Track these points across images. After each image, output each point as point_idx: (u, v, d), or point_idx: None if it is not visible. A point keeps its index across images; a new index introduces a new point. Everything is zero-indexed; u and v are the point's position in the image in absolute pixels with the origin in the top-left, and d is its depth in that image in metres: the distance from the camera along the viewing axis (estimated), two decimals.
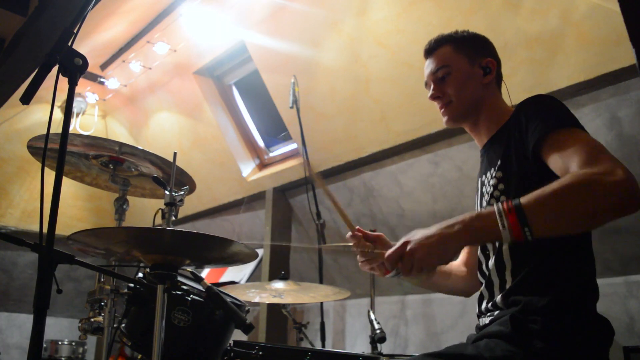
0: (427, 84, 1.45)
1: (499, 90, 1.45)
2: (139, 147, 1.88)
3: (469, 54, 1.39)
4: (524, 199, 1.00)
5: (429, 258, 1.07)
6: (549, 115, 1.16)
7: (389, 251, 1.12)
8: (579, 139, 1.10)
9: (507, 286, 1.21)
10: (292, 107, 3.13)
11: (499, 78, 1.45)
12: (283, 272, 2.36)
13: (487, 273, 1.29)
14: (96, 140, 1.86)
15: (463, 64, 1.38)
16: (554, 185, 0.99)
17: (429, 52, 1.44)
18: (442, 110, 1.41)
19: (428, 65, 1.44)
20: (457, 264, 1.56)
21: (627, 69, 2.28)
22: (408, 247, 1.10)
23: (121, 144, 1.87)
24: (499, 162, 1.28)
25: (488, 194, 1.30)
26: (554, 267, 1.16)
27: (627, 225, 2.56)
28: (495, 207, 1.02)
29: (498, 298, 1.22)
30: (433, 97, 1.41)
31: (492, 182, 1.30)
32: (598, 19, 2.28)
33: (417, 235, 1.11)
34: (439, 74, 1.40)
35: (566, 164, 1.06)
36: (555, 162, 1.10)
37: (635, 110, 2.39)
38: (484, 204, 1.32)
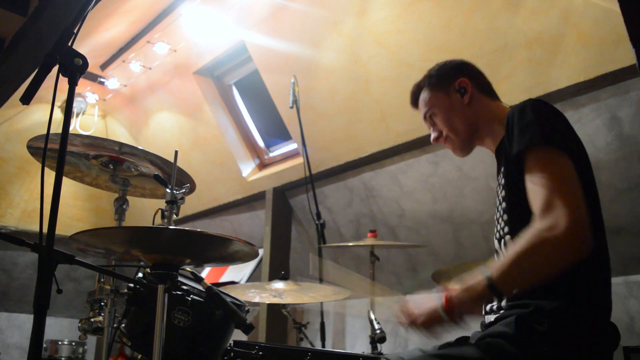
0: (428, 128, 1.53)
1: (490, 96, 1.44)
2: (139, 147, 1.88)
3: (442, 87, 1.45)
4: (494, 275, 1.09)
5: (425, 324, 1.18)
6: (530, 129, 1.15)
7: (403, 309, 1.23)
8: (545, 172, 1.10)
9: None
10: (292, 107, 3.13)
11: (482, 87, 1.45)
12: (283, 272, 2.36)
13: None
14: (96, 141, 1.86)
15: (441, 99, 1.44)
16: (512, 252, 1.07)
17: (414, 103, 1.53)
18: (447, 145, 1.47)
19: (420, 113, 1.52)
20: None
21: (627, 69, 2.28)
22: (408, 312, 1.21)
23: (121, 144, 1.87)
24: (502, 169, 1.30)
25: (497, 200, 1.33)
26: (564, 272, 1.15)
27: (627, 225, 2.56)
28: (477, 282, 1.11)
29: (503, 301, 1.22)
30: (435, 140, 1.48)
31: (499, 188, 1.32)
32: (598, 19, 2.28)
33: (418, 302, 1.20)
34: (428, 117, 1.48)
35: (531, 199, 1.12)
36: (526, 187, 1.14)
37: (635, 110, 2.39)
38: (497, 204, 1.33)
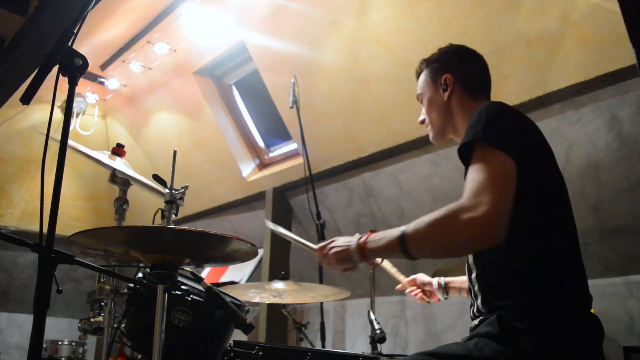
0: None
1: (474, 96, 1.47)
2: (132, 174, 1.89)
3: (433, 77, 1.53)
4: (408, 229, 1.18)
5: (337, 257, 1.31)
6: (478, 124, 1.19)
7: (320, 244, 1.38)
8: (481, 165, 1.14)
9: (476, 289, 1.26)
10: (292, 107, 3.13)
11: (468, 85, 1.48)
12: (283, 272, 2.36)
13: (469, 282, 1.35)
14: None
15: (429, 89, 1.53)
16: (430, 218, 1.14)
17: (417, 78, 1.62)
18: (427, 130, 1.57)
19: None
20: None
21: (627, 69, 2.28)
22: (331, 244, 1.34)
23: (114, 173, 1.88)
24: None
25: None
26: (538, 267, 1.17)
27: (627, 225, 2.56)
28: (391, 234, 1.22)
29: (478, 303, 1.26)
30: (421, 122, 1.58)
31: None
32: (598, 19, 2.28)
33: (341, 238, 1.34)
34: (419, 100, 1.58)
35: (465, 187, 1.15)
36: (466, 181, 1.18)
37: (635, 110, 2.39)
38: None
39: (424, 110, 1.55)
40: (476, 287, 1.27)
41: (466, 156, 1.20)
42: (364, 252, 1.25)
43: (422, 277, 1.89)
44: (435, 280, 1.83)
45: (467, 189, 1.12)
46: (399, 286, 1.93)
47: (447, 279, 1.82)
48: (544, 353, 1.09)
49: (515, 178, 1.12)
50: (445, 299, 1.84)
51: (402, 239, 1.16)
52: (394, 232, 1.19)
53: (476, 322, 1.28)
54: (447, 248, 1.12)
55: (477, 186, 1.10)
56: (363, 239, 1.26)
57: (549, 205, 1.21)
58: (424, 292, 1.87)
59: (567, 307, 1.15)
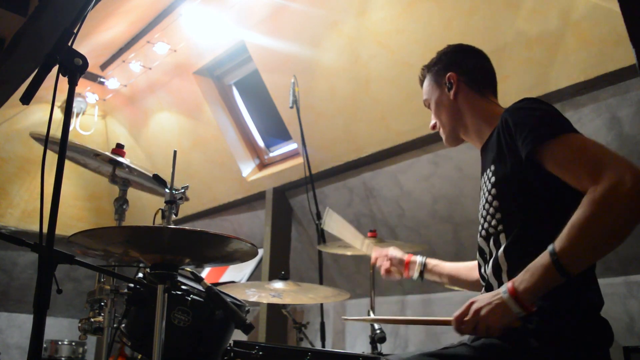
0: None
1: (481, 92, 1.44)
2: (133, 166, 1.89)
3: (436, 80, 1.50)
4: (557, 247, 1.02)
5: (491, 318, 1.08)
6: (538, 123, 1.15)
7: (456, 313, 1.14)
8: (574, 147, 1.09)
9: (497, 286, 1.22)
10: (292, 107, 3.13)
11: (474, 82, 1.45)
12: (283, 273, 2.36)
13: (485, 276, 1.31)
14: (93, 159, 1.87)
15: (435, 91, 1.49)
16: (577, 221, 1.01)
17: (421, 85, 1.58)
18: (440, 134, 1.53)
19: None
20: (467, 270, 1.63)
21: (627, 69, 2.28)
22: (473, 307, 1.11)
23: (114, 165, 1.87)
24: (492, 167, 1.30)
25: (484, 197, 1.33)
26: None
27: None
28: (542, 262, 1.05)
29: None
30: (432, 127, 1.54)
31: (488, 186, 1.31)
32: (598, 19, 2.28)
33: (483, 297, 1.12)
34: (427, 106, 1.55)
35: (575, 180, 1.07)
36: (563, 176, 1.10)
37: (635, 110, 2.39)
38: (483, 202, 1.33)
39: (433, 115, 1.52)
40: (496, 284, 1.23)
41: (536, 160, 1.13)
42: (520, 298, 1.05)
43: (393, 251, 1.75)
44: (418, 259, 1.69)
45: (589, 175, 1.03)
46: (372, 261, 1.79)
47: (431, 260, 1.70)
48: (552, 354, 1.08)
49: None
50: (419, 280, 1.69)
51: (556, 261, 1.01)
52: (541, 260, 1.04)
53: None
54: (614, 237, 1.01)
55: (596, 166, 1.02)
56: (510, 286, 1.07)
57: (572, 205, 1.20)
58: (391, 266, 1.72)
59: (578, 309, 1.14)
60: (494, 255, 1.27)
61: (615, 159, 1.02)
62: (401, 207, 3.42)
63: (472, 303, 1.12)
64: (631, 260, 2.62)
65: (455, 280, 1.66)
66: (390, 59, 3.02)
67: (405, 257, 1.73)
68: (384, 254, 1.76)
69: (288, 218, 4.14)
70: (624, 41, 2.20)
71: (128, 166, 1.96)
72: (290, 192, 4.08)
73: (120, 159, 1.92)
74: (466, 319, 1.11)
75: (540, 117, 1.16)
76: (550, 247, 1.03)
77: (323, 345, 2.91)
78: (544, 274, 1.03)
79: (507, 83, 2.63)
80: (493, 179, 1.28)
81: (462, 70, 1.46)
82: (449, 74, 1.46)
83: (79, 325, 1.92)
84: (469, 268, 1.64)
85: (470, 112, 1.43)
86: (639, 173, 0.98)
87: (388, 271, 1.72)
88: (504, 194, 1.24)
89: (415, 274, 1.68)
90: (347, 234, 1.90)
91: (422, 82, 1.57)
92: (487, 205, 1.30)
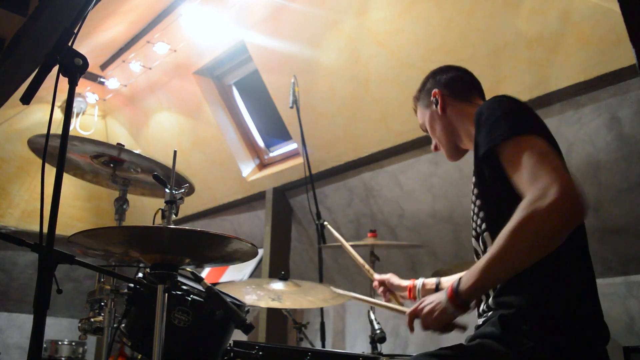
0: None
1: (466, 99, 1.49)
2: (137, 152, 1.89)
3: (425, 103, 1.56)
4: (490, 252, 1.08)
5: (430, 316, 1.20)
6: (494, 125, 1.17)
7: (411, 309, 1.27)
8: (521, 151, 1.11)
9: (499, 287, 1.23)
10: (292, 107, 3.13)
11: (456, 92, 1.50)
12: (283, 273, 2.35)
13: None
14: (96, 144, 1.86)
15: (426, 113, 1.56)
16: (507, 227, 1.06)
17: (417, 115, 1.63)
18: (443, 153, 1.56)
19: None
20: None
21: (627, 69, 2.28)
22: (421, 305, 1.23)
23: (120, 148, 1.87)
24: (474, 168, 1.32)
25: (472, 197, 1.36)
26: (543, 268, 1.15)
27: (627, 225, 2.56)
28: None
29: (490, 300, 1.24)
30: (434, 148, 1.58)
31: (472, 186, 1.35)
32: (598, 19, 2.28)
33: (431, 297, 1.23)
34: (425, 131, 1.60)
35: (517, 183, 1.11)
36: (511, 177, 1.14)
37: (635, 110, 2.39)
38: (472, 202, 1.36)
39: (431, 136, 1.57)
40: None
41: (491, 159, 1.17)
42: (456, 301, 1.14)
43: (393, 278, 1.81)
44: (419, 282, 1.75)
45: (523, 184, 1.07)
46: (374, 283, 1.86)
47: (427, 280, 1.74)
48: (547, 354, 1.08)
49: (554, 151, 1.09)
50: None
51: (490, 263, 1.08)
52: (479, 263, 1.11)
53: (480, 321, 1.27)
54: (542, 244, 1.04)
55: (530, 176, 1.06)
56: (449, 289, 1.15)
57: None
58: (392, 294, 1.79)
59: (572, 309, 1.14)
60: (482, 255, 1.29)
61: (552, 169, 1.04)
62: (401, 207, 3.42)
63: (423, 301, 1.23)
64: (631, 260, 2.62)
65: None
66: (390, 59, 3.02)
67: (405, 283, 1.78)
68: (382, 280, 1.82)
69: (288, 218, 4.14)
70: (624, 41, 2.20)
71: (130, 163, 1.96)
72: (290, 192, 4.08)
73: (124, 154, 1.92)
74: (416, 312, 1.23)
75: (499, 117, 1.18)
76: (485, 255, 1.10)
77: (323, 345, 2.91)
78: (482, 277, 1.10)
79: (507, 83, 2.63)
80: (474, 179, 1.32)
81: (442, 85, 1.52)
82: (432, 93, 1.52)
83: (79, 325, 1.92)
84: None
85: (460, 120, 1.47)
86: (565, 187, 1.00)
87: (389, 300, 1.79)
88: (484, 193, 1.28)
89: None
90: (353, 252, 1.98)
91: (416, 112, 1.62)
92: (472, 206, 1.34)
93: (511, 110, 1.19)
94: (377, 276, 1.84)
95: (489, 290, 1.18)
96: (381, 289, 1.82)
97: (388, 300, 1.78)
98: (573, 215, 1.00)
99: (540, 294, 1.14)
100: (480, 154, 1.19)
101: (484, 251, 1.29)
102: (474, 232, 1.35)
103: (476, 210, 1.31)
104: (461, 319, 1.20)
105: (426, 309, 1.20)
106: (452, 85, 1.51)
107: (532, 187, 1.04)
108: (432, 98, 1.51)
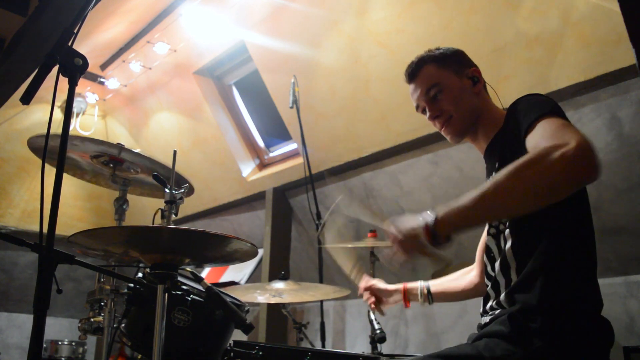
0: (418, 108, 1.46)
1: (489, 96, 1.46)
2: (137, 151, 1.88)
3: (454, 68, 1.41)
4: (486, 185, 1.01)
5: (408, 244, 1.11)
6: (533, 108, 1.17)
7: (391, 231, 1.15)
8: (551, 122, 1.09)
9: (512, 284, 1.22)
10: (292, 107, 3.13)
11: (485, 84, 1.47)
12: (283, 272, 2.36)
13: (492, 275, 1.31)
14: (97, 143, 1.86)
15: (452, 78, 1.39)
16: (509, 167, 0.99)
17: (412, 75, 1.45)
18: (444, 128, 1.41)
19: (415, 89, 1.44)
20: (466, 281, 1.63)
21: (627, 69, 2.28)
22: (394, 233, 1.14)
23: (120, 148, 1.87)
24: (497, 166, 1.30)
25: None
26: (553, 267, 1.16)
27: (627, 225, 2.56)
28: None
29: (502, 296, 1.23)
30: (433, 118, 1.41)
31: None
32: (598, 19, 2.28)
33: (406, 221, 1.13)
34: (431, 94, 1.40)
35: (534, 143, 1.07)
36: (528, 144, 1.11)
37: (635, 110, 2.39)
38: None
39: (438, 104, 1.39)
40: (512, 281, 1.22)
41: (527, 130, 1.12)
42: (438, 228, 1.04)
43: (379, 283, 1.73)
44: (419, 285, 1.68)
45: (543, 137, 1.03)
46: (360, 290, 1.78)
47: (433, 283, 1.67)
48: (555, 354, 1.08)
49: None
50: (426, 304, 1.67)
51: (482, 195, 1.00)
52: (468, 196, 1.02)
53: (487, 319, 1.26)
54: (543, 190, 0.97)
55: (553, 131, 1.03)
56: (430, 218, 1.05)
57: (578, 206, 1.18)
58: (378, 299, 1.71)
59: (581, 309, 1.14)
60: (501, 253, 1.27)
61: (575, 132, 1.01)
62: (401, 207, 3.42)
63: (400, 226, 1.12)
64: (631, 260, 2.62)
65: (442, 297, 1.66)
66: (390, 59, 3.02)
67: (391, 287, 1.71)
68: (369, 286, 1.74)
69: (288, 218, 4.14)
70: (624, 41, 2.20)
71: (130, 163, 1.96)
72: (290, 192, 4.08)
73: (123, 154, 1.92)
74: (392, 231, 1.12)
75: (538, 103, 1.20)
76: (481, 187, 1.02)
77: (323, 345, 2.91)
78: (470, 208, 1.02)
79: (507, 83, 2.63)
80: (497, 164, 1.29)
81: (479, 71, 1.44)
82: (473, 68, 1.42)
83: (79, 325, 1.92)
84: (453, 279, 1.65)
85: (485, 110, 1.40)
86: (584, 143, 0.95)
87: (374, 306, 1.71)
88: None
89: (426, 302, 1.66)
90: (341, 257, 1.90)
91: (417, 69, 1.45)
92: None
93: (547, 101, 1.22)
94: (362, 283, 1.77)
95: (467, 228, 1.06)
96: (367, 294, 1.75)
97: (373, 307, 1.72)
98: (585, 169, 0.95)
99: (550, 293, 1.13)
100: (522, 131, 1.14)
101: (503, 249, 1.26)
102: (492, 229, 1.31)
103: None
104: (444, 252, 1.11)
105: (400, 236, 1.10)
106: (481, 77, 1.44)
107: (552, 138, 1.00)
108: (470, 73, 1.40)
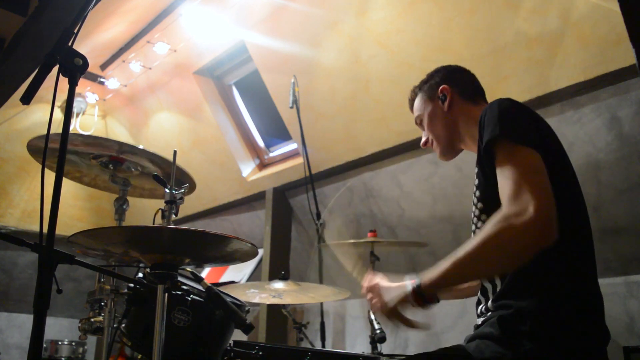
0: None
1: (473, 101, 1.49)
2: (139, 147, 1.88)
3: (428, 95, 1.53)
4: (458, 254, 1.12)
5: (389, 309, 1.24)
6: (491, 124, 1.17)
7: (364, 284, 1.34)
8: (510, 163, 1.12)
9: (497, 290, 1.23)
10: (292, 107, 3.13)
11: (465, 93, 1.49)
12: (283, 273, 2.36)
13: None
14: (96, 140, 1.86)
15: (426, 106, 1.53)
16: (478, 236, 1.08)
17: (410, 108, 1.62)
18: (433, 149, 1.55)
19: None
20: None
21: (627, 69, 2.28)
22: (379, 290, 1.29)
23: (121, 144, 1.87)
24: (476, 169, 1.32)
25: (473, 199, 1.35)
26: (543, 269, 1.15)
27: (627, 225, 2.56)
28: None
29: (489, 302, 1.24)
30: (423, 144, 1.56)
31: (474, 189, 1.34)
32: (598, 19, 2.28)
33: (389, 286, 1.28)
34: (418, 123, 1.58)
35: (500, 191, 1.13)
36: (499, 187, 1.15)
37: (635, 110, 2.39)
38: (473, 204, 1.36)
39: (425, 131, 1.55)
40: (497, 287, 1.23)
41: (490, 157, 1.18)
42: (415, 292, 1.18)
43: (382, 282, 1.79)
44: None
45: (505, 195, 1.09)
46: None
47: None
48: (546, 356, 1.08)
49: (545, 170, 1.10)
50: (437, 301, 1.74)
51: (456, 264, 1.12)
52: (446, 261, 1.14)
53: (479, 321, 1.27)
54: (506, 261, 1.08)
55: (513, 189, 1.07)
56: (414, 284, 1.19)
57: (569, 204, 1.19)
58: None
59: (572, 309, 1.13)
60: None
61: (536, 188, 1.05)
62: (401, 207, 3.42)
63: (377, 285, 1.29)
64: (631, 260, 2.62)
65: (449, 294, 1.68)
66: (390, 59, 3.02)
67: (394, 285, 1.72)
68: (373, 285, 1.75)
69: (288, 218, 4.14)
70: (624, 41, 2.20)
71: (130, 163, 1.96)
72: (290, 192, 4.08)
73: (126, 153, 1.91)
74: (373, 296, 1.28)
75: (495, 116, 1.18)
76: (456, 253, 1.12)
77: (323, 345, 2.92)
78: (443, 275, 1.14)
79: (507, 83, 2.63)
80: (476, 181, 1.32)
81: (453, 83, 1.51)
82: (441, 87, 1.50)
83: (79, 325, 1.92)
84: None
85: (465, 120, 1.46)
86: (542, 210, 1.02)
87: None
88: (486, 196, 1.27)
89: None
90: (343, 254, 1.92)
91: (412, 102, 1.60)
92: (474, 208, 1.33)
93: (514, 114, 1.20)
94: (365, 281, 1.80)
95: (449, 287, 1.24)
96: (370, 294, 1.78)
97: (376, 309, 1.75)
98: (542, 239, 1.03)
99: (541, 295, 1.14)
100: (482, 146, 1.19)
101: None
102: (475, 231, 1.34)
103: (477, 212, 1.31)
104: (425, 317, 1.25)
105: (387, 298, 1.24)
106: (463, 85, 1.50)
107: (512, 202, 1.06)
108: (439, 93, 1.49)
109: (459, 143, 1.50)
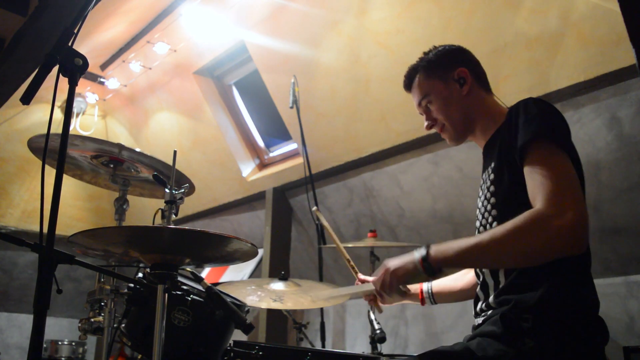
0: (421, 114, 1.51)
1: (486, 90, 1.43)
2: (137, 150, 1.88)
3: (440, 74, 1.42)
4: (484, 236, 1.11)
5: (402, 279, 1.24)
6: (535, 122, 1.16)
7: (374, 277, 1.32)
8: (552, 165, 1.11)
9: (501, 286, 1.23)
10: (292, 107, 3.13)
11: (479, 79, 1.43)
12: (283, 273, 2.35)
13: (481, 275, 1.31)
14: (96, 141, 1.86)
15: (438, 87, 1.42)
16: (509, 225, 1.07)
17: (407, 86, 1.51)
18: (442, 134, 1.46)
19: (413, 98, 1.51)
20: (465, 281, 1.63)
21: (627, 69, 2.28)
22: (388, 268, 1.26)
23: (121, 147, 1.87)
24: (492, 165, 1.30)
25: (483, 195, 1.33)
26: (546, 267, 1.15)
27: (627, 225, 2.56)
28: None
29: (491, 298, 1.24)
30: (429, 127, 1.47)
31: (487, 183, 1.32)
32: (598, 19, 2.28)
33: (396, 259, 1.26)
34: (423, 105, 1.46)
35: (534, 193, 1.11)
36: (528, 183, 1.14)
37: (635, 110, 2.39)
38: (482, 199, 1.34)
39: (431, 114, 1.44)
40: (500, 283, 1.23)
41: (522, 155, 1.15)
42: (433, 263, 1.15)
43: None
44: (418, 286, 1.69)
45: (542, 194, 1.07)
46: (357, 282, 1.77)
47: (435, 283, 1.67)
48: (548, 353, 1.08)
49: (578, 179, 1.11)
50: (428, 303, 1.69)
51: (476, 246, 1.10)
52: (466, 240, 1.13)
53: (480, 320, 1.27)
54: (530, 257, 1.07)
55: (553, 190, 1.06)
56: (423, 253, 1.17)
57: None
58: (374, 300, 1.68)
59: (573, 308, 1.14)
60: None
61: (576, 198, 1.06)
62: (401, 207, 3.42)
63: (388, 267, 1.26)
64: (631, 260, 2.62)
65: (441, 297, 1.67)
66: (390, 59, 3.02)
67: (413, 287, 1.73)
68: (366, 281, 1.71)
69: (288, 218, 4.14)
70: (624, 41, 2.20)
71: (130, 163, 1.96)
72: (290, 192, 4.08)
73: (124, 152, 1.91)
74: (382, 278, 1.25)
75: (539, 114, 1.17)
76: (476, 236, 1.13)
77: (323, 345, 2.91)
78: (465, 253, 1.13)
79: (507, 83, 2.63)
80: (492, 176, 1.29)
81: (471, 67, 1.43)
82: (459, 69, 1.41)
83: (79, 325, 1.92)
84: (453, 279, 1.65)
85: (480, 108, 1.39)
86: (581, 219, 1.02)
87: (373, 303, 1.69)
88: (501, 191, 1.25)
89: (429, 303, 1.70)
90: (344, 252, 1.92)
91: (411, 81, 1.49)
92: (485, 202, 1.31)
93: (554, 117, 1.19)
94: (361, 276, 1.76)
95: (456, 266, 1.26)
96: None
97: (372, 303, 1.70)
98: (572, 247, 1.03)
99: (543, 293, 1.14)
100: (518, 145, 1.16)
101: None
102: (481, 229, 1.32)
103: (488, 207, 1.29)
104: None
105: (393, 268, 1.23)
106: (477, 69, 1.43)
107: (551, 202, 1.05)
108: (456, 76, 1.40)
109: (470, 131, 1.42)
